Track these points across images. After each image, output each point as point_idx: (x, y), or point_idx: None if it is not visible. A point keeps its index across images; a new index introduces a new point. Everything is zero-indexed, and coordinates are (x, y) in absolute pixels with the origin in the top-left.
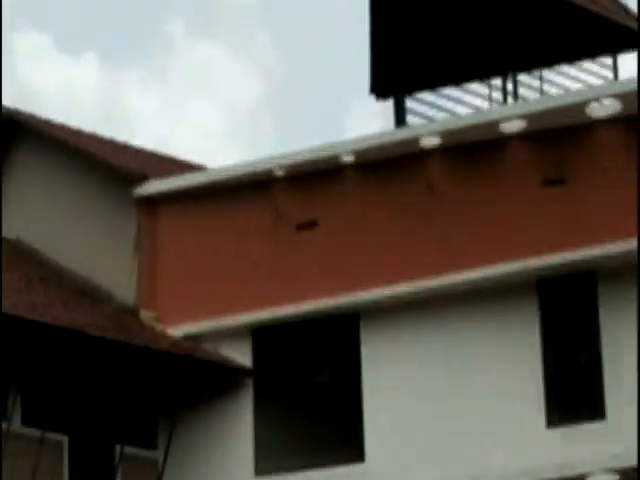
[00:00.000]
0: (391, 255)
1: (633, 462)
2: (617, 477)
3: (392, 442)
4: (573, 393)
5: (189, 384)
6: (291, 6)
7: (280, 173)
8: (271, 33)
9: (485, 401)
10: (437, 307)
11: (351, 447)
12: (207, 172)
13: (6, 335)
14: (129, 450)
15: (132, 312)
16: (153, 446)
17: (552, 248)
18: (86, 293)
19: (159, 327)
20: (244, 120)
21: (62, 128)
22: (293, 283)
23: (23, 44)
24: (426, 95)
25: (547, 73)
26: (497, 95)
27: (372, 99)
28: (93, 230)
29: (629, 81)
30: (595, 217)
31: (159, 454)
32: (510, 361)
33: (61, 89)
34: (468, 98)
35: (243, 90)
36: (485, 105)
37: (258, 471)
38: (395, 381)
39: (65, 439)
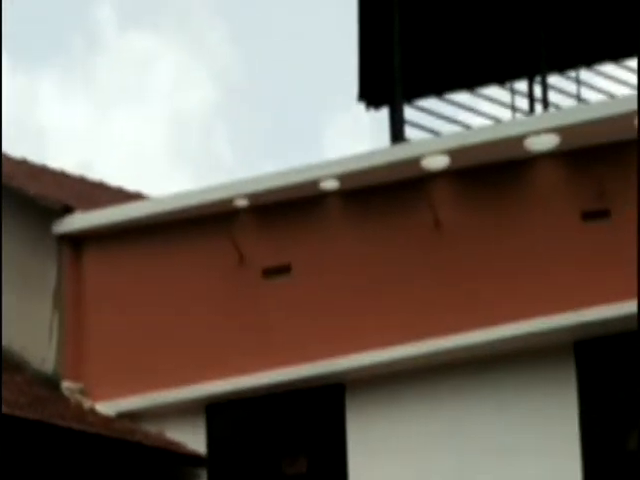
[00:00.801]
0: (386, 310)
1: None
2: None
3: None
4: None
5: (125, 475)
6: None
7: (242, 204)
8: (227, 24)
9: None
10: (446, 377)
11: None
12: (147, 203)
13: None
14: None
15: (51, 383)
16: None
17: (594, 302)
18: (7, 356)
19: (86, 403)
20: (192, 135)
21: None
22: (259, 346)
23: None
24: (431, 102)
25: (586, 74)
26: (522, 103)
27: (361, 107)
28: (10, 275)
29: None
30: None
31: None
32: (538, 449)
33: None
34: (484, 106)
35: (191, 97)
36: (507, 115)
37: None
38: (390, 471)
39: None
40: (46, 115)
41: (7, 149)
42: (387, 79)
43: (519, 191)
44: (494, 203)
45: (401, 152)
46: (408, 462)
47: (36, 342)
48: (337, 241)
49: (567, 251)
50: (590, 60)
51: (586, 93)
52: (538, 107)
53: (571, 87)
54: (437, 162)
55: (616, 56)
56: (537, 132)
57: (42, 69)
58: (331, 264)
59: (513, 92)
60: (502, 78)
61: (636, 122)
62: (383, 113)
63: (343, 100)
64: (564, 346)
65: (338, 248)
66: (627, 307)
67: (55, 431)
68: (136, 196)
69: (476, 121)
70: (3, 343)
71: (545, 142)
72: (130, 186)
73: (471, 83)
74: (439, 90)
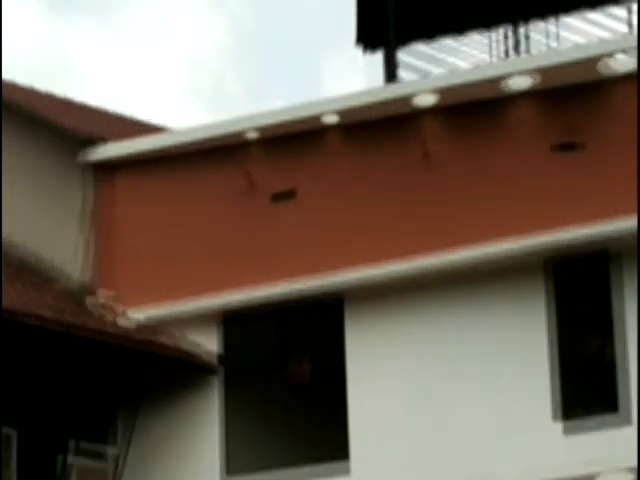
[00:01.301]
0: (380, 230)
1: None
2: (632, 477)
3: (380, 444)
4: (586, 387)
5: (151, 375)
6: None
7: (253, 136)
8: None
9: (488, 397)
10: (434, 290)
11: (333, 446)
12: (170, 134)
13: None
14: (84, 445)
15: (86, 292)
16: (111, 441)
17: (563, 223)
18: (35, 272)
19: (119, 309)
20: (208, 74)
21: None
22: (268, 261)
23: None
24: (421, 47)
25: (560, 21)
26: (502, 47)
27: (358, 51)
28: (40, 200)
29: None
30: (609, 188)
31: (117, 450)
32: (516, 352)
33: None
34: (469, 50)
35: (206, 39)
36: (488, 59)
37: (230, 470)
38: (384, 375)
39: (14, 433)
40: (73, 53)
41: (36, 84)
42: (382, 26)
43: (499, 126)
44: (477, 137)
45: (394, 91)
46: (402, 364)
47: (64, 259)
48: (337, 169)
49: (540, 179)
50: (565, 7)
51: (560, 39)
52: (516, 51)
53: (546, 33)
54: (426, 100)
55: (590, 3)
56: (515, 74)
57: (71, 10)
58: (332, 189)
59: (493, 38)
60: (485, 24)
61: (600, 65)
62: (378, 56)
63: (344, 44)
64: (537, 264)
65: (338, 175)
66: (596, 228)
67: (79, 341)
68: (158, 128)
69: (462, 63)
70: (32, 259)
71: (521, 82)
72: (151, 120)
73: (457, 28)
74: (429, 35)
